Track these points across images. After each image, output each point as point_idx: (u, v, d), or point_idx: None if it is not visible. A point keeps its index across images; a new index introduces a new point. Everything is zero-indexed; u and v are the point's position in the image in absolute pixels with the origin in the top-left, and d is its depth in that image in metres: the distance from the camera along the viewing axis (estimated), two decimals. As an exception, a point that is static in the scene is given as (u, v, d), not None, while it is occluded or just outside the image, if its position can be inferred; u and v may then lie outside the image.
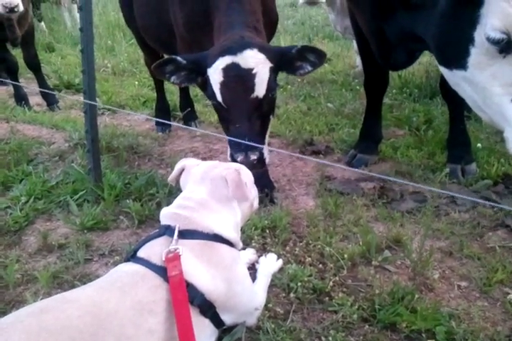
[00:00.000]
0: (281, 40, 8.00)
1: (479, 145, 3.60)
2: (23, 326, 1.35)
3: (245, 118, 2.48)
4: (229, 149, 2.61)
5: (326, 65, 6.52)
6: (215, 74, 2.45)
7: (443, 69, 2.39)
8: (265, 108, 2.56)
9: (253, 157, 2.48)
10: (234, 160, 2.50)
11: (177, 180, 2.07)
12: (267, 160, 2.65)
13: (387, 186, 3.23)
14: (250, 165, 2.35)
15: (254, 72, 2.42)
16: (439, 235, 2.72)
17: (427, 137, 3.92)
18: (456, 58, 2.18)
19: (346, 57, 7.01)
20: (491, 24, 1.94)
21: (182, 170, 2.05)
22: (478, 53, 2.08)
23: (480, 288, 2.30)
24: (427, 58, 5.51)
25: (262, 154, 2.54)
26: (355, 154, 3.65)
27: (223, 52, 2.43)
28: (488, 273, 2.37)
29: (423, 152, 3.65)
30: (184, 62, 2.55)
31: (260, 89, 2.46)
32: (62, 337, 1.34)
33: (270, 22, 3.12)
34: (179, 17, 3.01)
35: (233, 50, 2.42)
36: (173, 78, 2.59)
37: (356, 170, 2.72)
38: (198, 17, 2.86)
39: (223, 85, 2.46)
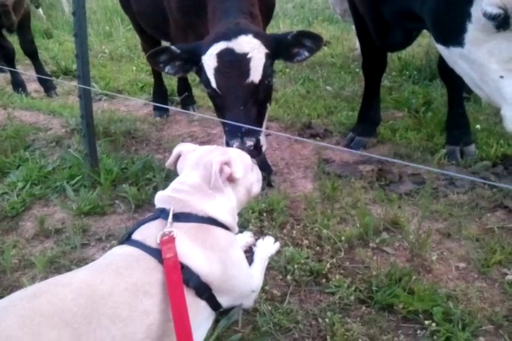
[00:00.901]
0: (281, 23, 7.93)
1: (478, 126, 3.58)
2: (17, 310, 1.35)
3: (241, 104, 2.43)
4: (224, 137, 2.57)
5: (326, 48, 6.48)
6: (210, 60, 2.41)
7: (440, 47, 2.35)
8: (261, 95, 2.50)
9: (249, 143, 2.43)
10: (229, 146, 2.45)
11: (174, 165, 2.05)
12: (264, 148, 2.60)
13: (385, 168, 3.21)
14: (246, 152, 2.26)
15: (249, 56, 2.38)
16: (437, 217, 2.71)
17: (426, 119, 3.89)
18: (453, 35, 2.15)
19: (346, 40, 6.95)
20: None
21: (179, 156, 2.03)
22: (474, 29, 2.04)
23: (478, 269, 2.29)
24: (427, 40, 5.45)
25: (258, 141, 2.49)
26: (354, 137, 3.63)
27: (217, 39, 2.40)
28: (487, 254, 2.36)
29: (422, 134, 3.63)
30: (178, 51, 2.51)
31: (255, 74, 2.41)
32: (56, 321, 1.33)
33: (266, 6, 3.06)
34: (173, 1, 2.97)
35: (227, 36, 2.38)
36: (167, 68, 2.56)
37: (354, 151, 2.70)
38: (192, 0, 2.81)
39: (218, 71, 2.42)
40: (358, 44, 5.88)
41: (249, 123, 2.41)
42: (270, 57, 2.48)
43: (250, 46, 2.38)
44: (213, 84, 2.46)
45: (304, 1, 10.16)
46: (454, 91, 3.36)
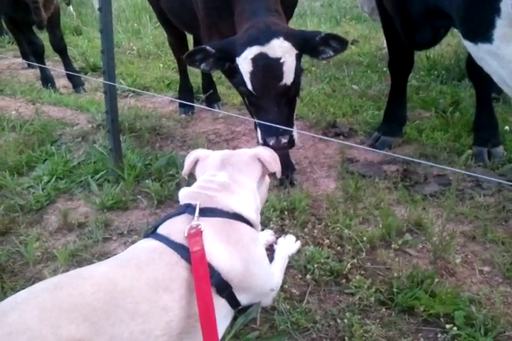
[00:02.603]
0: (308, 21, 7.89)
1: (507, 127, 3.49)
2: (37, 302, 1.36)
3: (275, 105, 2.56)
4: (259, 133, 2.66)
5: (353, 46, 6.42)
6: (245, 63, 2.50)
7: (467, 44, 2.30)
8: (293, 92, 2.62)
9: (284, 140, 2.56)
10: (266, 143, 2.58)
11: (191, 172, 2.07)
12: (297, 141, 2.71)
13: (410, 169, 3.17)
14: (281, 148, 2.56)
15: (281, 61, 2.47)
16: (462, 219, 2.66)
17: (453, 119, 3.81)
18: (481, 30, 2.10)
19: (373, 38, 6.87)
20: None
21: (196, 162, 2.04)
22: (504, 25, 1.99)
23: (503, 273, 2.25)
24: (456, 39, 5.36)
25: (291, 136, 2.62)
26: (379, 136, 3.58)
27: (251, 42, 2.47)
28: (512, 258, 2.31)
29: (449, 134, 3.56)
30: (213, 51, 2.59)
31: (288, 77, 2.51)
32: (75, 314, 1.34)
33: (287, 5, 3.08)
34: (199, 1, 3.00)
35: (260, 40, 2.45)
36: (202, 65, 2.64)
37: (379, 151, 2.70)
38: (218, 2, 2.87)
39: (253, 75, 2.51)
40: (385, 43, 5.83)
41: (282, 121, 2.54)
42: (299, 57, 2.58)
43: (282, 50, 2.46)
44: (249, 86, 2.56)
45: (332, 0, 10.08)
46: (483, 92, 3.29)
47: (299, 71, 2.56)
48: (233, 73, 2.67)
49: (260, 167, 1.99)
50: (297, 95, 2.75)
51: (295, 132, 2.67)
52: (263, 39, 2.45)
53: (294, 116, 2.77)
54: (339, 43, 2.55)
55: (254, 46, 2.45)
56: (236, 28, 2.73)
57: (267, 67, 2.47)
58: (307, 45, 2.56)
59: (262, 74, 2.49)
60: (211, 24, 3.06)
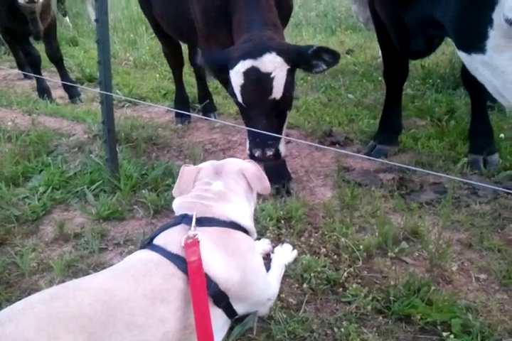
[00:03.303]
0: (304, 31, 7.94)
1: (502, 135, 3.52)
2: (34, 313, 1.36)
3: (263, 118, 2.62)
4: (248, 143, 2.72)
5: (348, 56, 6.46)
6: (236, 76, 2.57)
7: (461, 54, 2.32)
8: (282, 106, 2.67)
9: (269, 153, 2.63)
10: (252, 154, 2.67)
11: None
12: (283, 154, 2.76)
13: (406, 177, 3.18)
14: (266, 160, 2.65)
15: (272, 76, 2.52)
16: (458, 227, 2.67)
17: (448, 127, 3.83)
18: (475, 41, 2.12)
19: (369, 48, 6.90)
20: (509, 5, 1.86)
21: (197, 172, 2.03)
22: (496, 35, 2.00)
23: (500, 280, 2.25)
24: (451, 48, 5.39)
25: (277, 150, 2.68)
26: (375, 145, 3.59)
27: (244, 56, 2.53)
28: (509, 265, 2.31)
29: (444, 143, 3.57)
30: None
31: (277, 92, 2.57)
32: (72, 325, 1.34)
33: (284, 14, 3.13)
34: (197, 11, 3.04)
35: (253, 54, 2.51)
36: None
37: (375, 159, 2.73)
38: (216, 12, 2.92)
39: (243, 88, 2.58)
40: (380, 52, 5.86)
41: (269, 133, 2.56)
42: (292, 71, 2.63)
43: (274, 65, 2.52)
44: (239, 98, 2.63)
45: (327, 10, 10.12)
46: (478, 100, 3.31)
47: (289, 86, 2.60)
48: (226, 83, 2.73)
49: (246, 181, 1.98)
50: (288, 109, 2.78)
51: (282, 144, 2.71)
52: (256, 53, 2.50)
53: (284, 129, 2.81)
54: (331, 57, 2.61)
55: (247, 60, 2.51)
56: (234, 40, 2.78)
57: (256, 81, 2.53)
58: (300, 59, 2.61)
59: (252, 87, 2.55)
60: (209, 34, 3.10)
